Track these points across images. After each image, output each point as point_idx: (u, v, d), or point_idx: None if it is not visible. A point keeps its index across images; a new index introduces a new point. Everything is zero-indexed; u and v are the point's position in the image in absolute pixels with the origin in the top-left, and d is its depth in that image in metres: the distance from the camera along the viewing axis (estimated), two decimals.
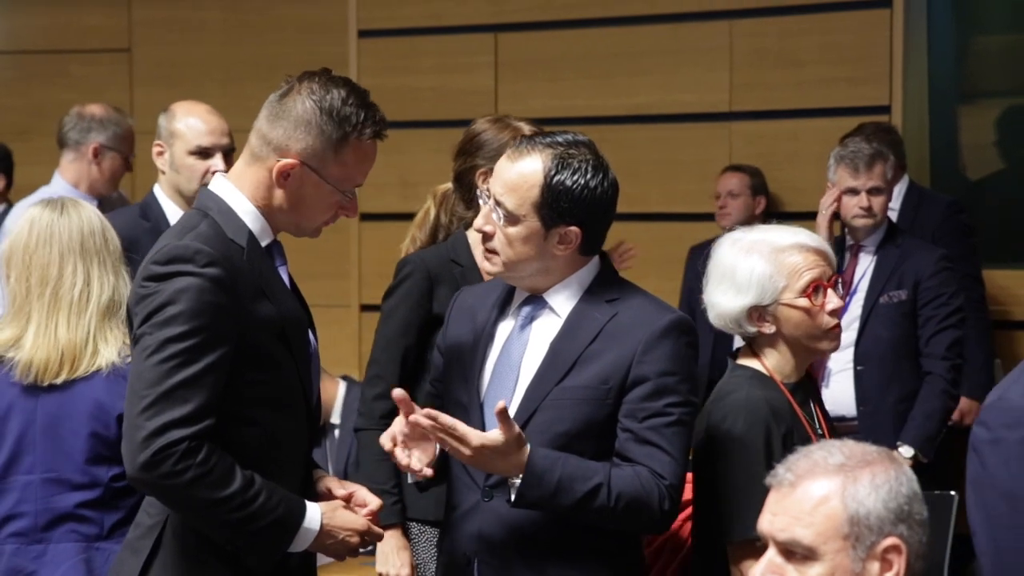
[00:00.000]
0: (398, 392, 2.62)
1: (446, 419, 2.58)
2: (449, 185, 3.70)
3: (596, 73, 6.57)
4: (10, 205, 6.10)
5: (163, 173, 4.20)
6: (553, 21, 6.69)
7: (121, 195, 5.38)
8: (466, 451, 2.58)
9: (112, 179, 5.15)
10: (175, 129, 4.17)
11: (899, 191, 5.65)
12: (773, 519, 2.08)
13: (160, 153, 4.21)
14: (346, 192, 2.66)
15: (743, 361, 2.99)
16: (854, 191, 4.90)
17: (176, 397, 2.45)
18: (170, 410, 2.44)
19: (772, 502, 2.09)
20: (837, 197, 4.93)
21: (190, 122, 4.18)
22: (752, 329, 2.93)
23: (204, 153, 4.13)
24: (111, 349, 3.08)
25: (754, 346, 2.98)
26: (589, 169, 2.73)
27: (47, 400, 3.05)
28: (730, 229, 5.95)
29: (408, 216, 6.86)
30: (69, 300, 3.08)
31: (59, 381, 3.07)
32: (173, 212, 4.10)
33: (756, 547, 2.71)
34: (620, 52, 6.54)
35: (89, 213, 3.16)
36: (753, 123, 6.37)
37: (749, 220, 6.07)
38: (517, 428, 2.60)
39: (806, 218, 5.90)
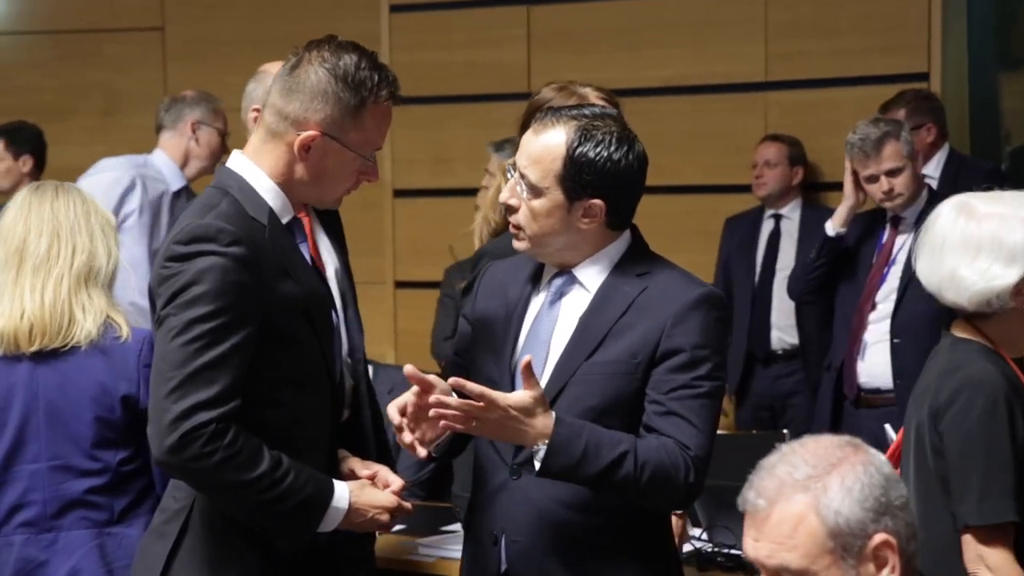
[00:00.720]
0: (409, 368, 2.57)
1: (473, 386, 2.54)
2: None
3: (628, 45, 6.50)
4: None
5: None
6: None
7: (189, 188, 5.39)
8: (492, 416, 2.53)
9: (212, 154, 5.27)
10: None
11: (939, 159, 5.58)
12: (756, 545, 2.04)
13: (257, 118, 3.99)
14: (367, 157, 2.62)
15: (962, 334, 2.89)
16: (872, 178, 4.87)
17: (202, 378, 2.42)
18: (196, 392, 2.42)
19: (750, 527, 2.05)
20: (853, 181, 4.91)
21: None
22: (1008, 304, 2.81)
23: None
24: (89, 320, 3.02)
25: (976, 320, 2.86)
26: (613, 141, 2.69)
27: (48, 385, 3.01)
28: (765, 199, 6.00)
29: (441, 192, 6.93)
30: (33, 263, 3.02)
31: (34, 350, 3.00)
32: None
33: (1005, 530, 2.66)
34: (652, 23, 6.47)
35: (72, 192, 3.11)
36: (790, 92, 6.28)
37: (785, 190, 6.02)
38: (541, 389, 2.57)
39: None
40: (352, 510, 2.58)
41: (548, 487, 2.68)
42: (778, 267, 5.97)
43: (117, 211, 5.15)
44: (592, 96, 3.27)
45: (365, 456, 2.83)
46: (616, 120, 2.74)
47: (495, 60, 6.73)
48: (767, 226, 6.06)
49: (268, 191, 2.60)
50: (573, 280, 2.77)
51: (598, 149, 2.68)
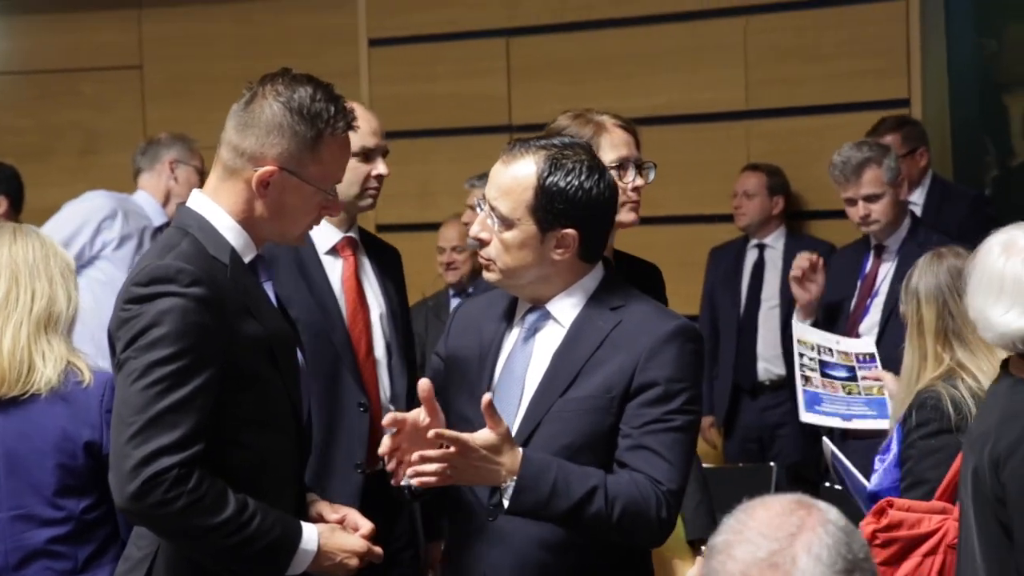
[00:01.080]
0: (424, 383, 2.54)
1: (450, 433, 2.50)
2: None
3: (612, 75, 6.47)
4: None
5: None
6: (566, 23, 6.60)
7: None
8: (466, 460, 2.48)
9: (190, 189, 5.22)
10: None
11: (923, 185, 5.54)
12: None
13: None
14: (328, 191, 2.58)
15: (1021, 374, 2.81)
16: (851, 201, 4.83)
17: (164, 423, 2.36)
18: (158, 436, 2.36)
19: None
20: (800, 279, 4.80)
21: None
22: None
23: (367, 155, 3.56)
24: (49, 367, 2.94)
25: None
26: (584, 170, 2.65)
27: (7, 432, 2.93)
28: (746, 229, 5.95)
29: (427, 227, 6.87)
30: (16, 314, 2.95)
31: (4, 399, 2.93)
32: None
33: None
34: (635, 53, 6.45)
35: (31, 235, 3.05)
36: (772, 120, 6.26)
37: (766, 220, 5.98)
38: (505, 425, 2.52)
39: (830, 217, 5.83)
40: (321, 553, 2.52)
41: (526, 528, 2.62)
42: (763, 297, 5.93)
43: (95, 237, 5.17)
44: (609, 124, 3.20)
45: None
46: (585, 150, 2.71)
47: (476, 92, 6.70)
48: (751, 256, 6.02)
49: (229, 230, 2.55)
50: (547, 315, 2.73)
51: (569, 178, 2.64)
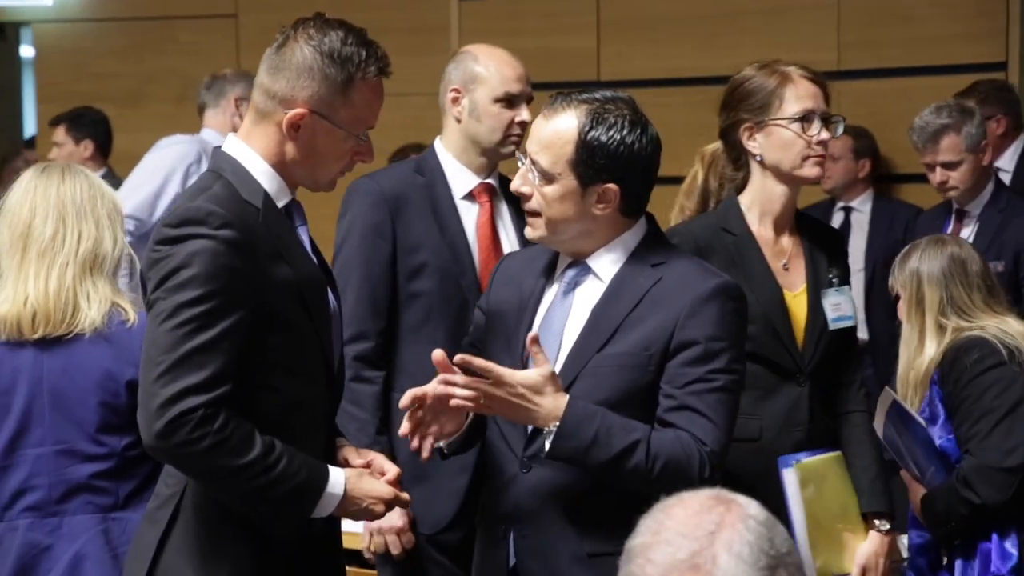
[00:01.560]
0: (438, 353, 2.53)
1: (480, 362, 2.50)
2: (717, 145, 3.36)
3: (699, 33, 6.40)
4: (109, 171, 6.15)
5: (458, 122, 3.58)
6: None
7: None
8: (499, 392, 2.49)
9: None
10: (477, 73, 3.54)
11: (1014, 151, 5.43)
12: None
13: (456, 99, 3.58)
14: (359, 135, 2.57)
15: None
16: (930, 166, 4.75)
17: (191, 363, 2.38)
18: (185, 376, 2.37)
19: None
20: None
21: (497, 66, 3.55)
22: None
23: (511, 101, 3.52)
24: (94, 309, 2.96)
25: None
26: (626, 125, 2.63)
27: (52, 370, 2.97)
28: (831, 191, 5.85)
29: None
30: (39, 248, 2.98)
31: (38, 336, 2.96)
32: (453, 168, 3.57)
33: None
34: (724, 11, 6.36)
35: (79, 175, 3.07)
36: (863, 82, 6.14)
37: (851, 184, 5.88)
38: (550, 366, 2.53)
39: (918, 180, 5.71)
40: (347, 498, 2.53)
41: (557, 481, 2.62)
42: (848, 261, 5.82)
43: (185, 183, 5.26)
44: (795, 75, 3.15)
45: None
46: (628, 104, 2.67)
47: (565, 47, 6.65)
48: (837, 219, 5.93)
49: (263, 173, 2.55)
50: (587, 270, 2.71)
51: (611, 133, 2.62)
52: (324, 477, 2.51)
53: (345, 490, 2.53)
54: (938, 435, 3.42)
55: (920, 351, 3.47)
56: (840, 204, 5.94)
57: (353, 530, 2.84)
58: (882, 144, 5.98)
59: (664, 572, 1.76)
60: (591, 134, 2.61)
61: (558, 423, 2.51)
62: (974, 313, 3.43)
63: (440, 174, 3.55)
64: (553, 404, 2.52)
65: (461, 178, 3.54)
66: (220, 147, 2.62)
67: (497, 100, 3.52)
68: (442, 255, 3.46)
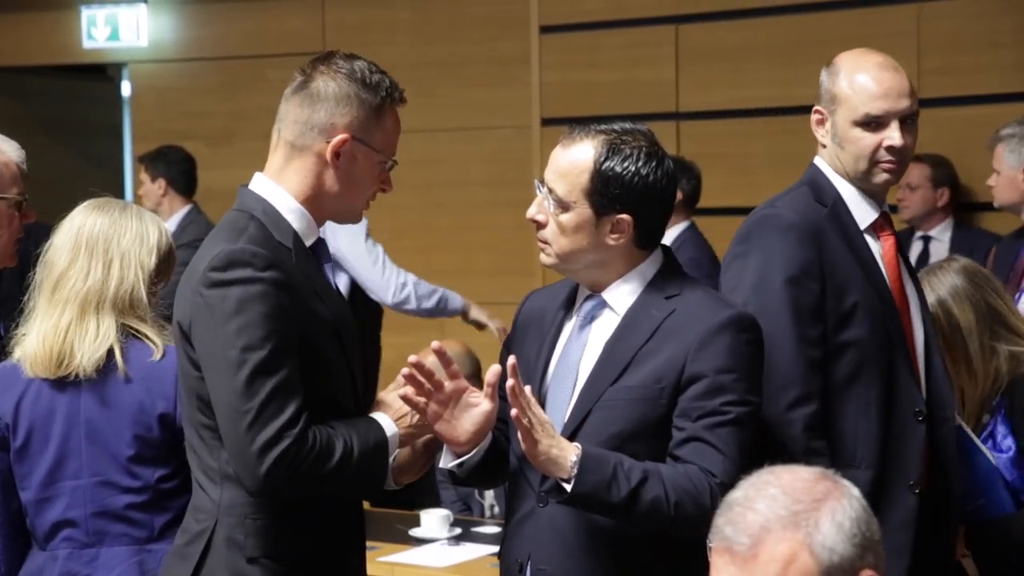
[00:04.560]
0: (494, 369, 2.60)
1: (528, 394, 2.52)
2: None
3: (779, 62, 6.37)
4: (195, 207, 6.27)
5: (823, 147, 3.16)
6: (734, 10, 6.53)
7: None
8: (545, 441, 2.51)
9: None
10: (838, 91, 3.10)
11: None
12: None
13: (820, 121, 3.16)
14: (387, 163, 2.64)
15: None
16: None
17: (275, 405, 2.45)
18: (275, 418, 2.44)
19: (728, 564, 1.93)
20: None
21: (859, 82, 3.07)
22: None
23: (874, 124, 3.08)
24: (86, 356, 2.99)
25: None
26: (641, 156, 2.64)
27: (88, 403, 3.02)
28: (909, 222, 5.78)
29: None
30: (51, 283, 3.02)
31: (60, 375, 3.00)
32: (848, 192, 3.14)
33: None
34: (803, 40, 6.33)
35: (108, 211, 3.07)
36: (944, 110, 6.05)
37: (930, 213, 5.80)
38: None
39: (999, 210, 5.60)
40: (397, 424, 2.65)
41: (574, 515, 2.63)
42: None
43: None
44: None
45: None
46: (645, 136, 2.69)
47: (644, 79, 6.66)
48: (916, 248, 5.85)
49: (291, 212, 2.60)
50: (603, 304, 2.72)
51: (626, 164, 2.63)
52: (378, 427, 2.62)
53: (394, 423, 2.64)
54: (1007, 468, 3.32)
55: (982, 375, 3.33)
56: (919, 233, 5.86)
57: None
58: (962, 172, 5.90)
59: (764, 521, 1.89)
60: (606, 164, 2.63)
61: (578, 454, 2.52)
62: (1021, 330, 3.29)
63: (841, 202, 3.13)
64: (567, 443, 2.55)
65: (861, 209, 3.15)
66: (247, 186, 2.66)
67: (857, 123, 3.08)
68: (870, 297, 3.08)
